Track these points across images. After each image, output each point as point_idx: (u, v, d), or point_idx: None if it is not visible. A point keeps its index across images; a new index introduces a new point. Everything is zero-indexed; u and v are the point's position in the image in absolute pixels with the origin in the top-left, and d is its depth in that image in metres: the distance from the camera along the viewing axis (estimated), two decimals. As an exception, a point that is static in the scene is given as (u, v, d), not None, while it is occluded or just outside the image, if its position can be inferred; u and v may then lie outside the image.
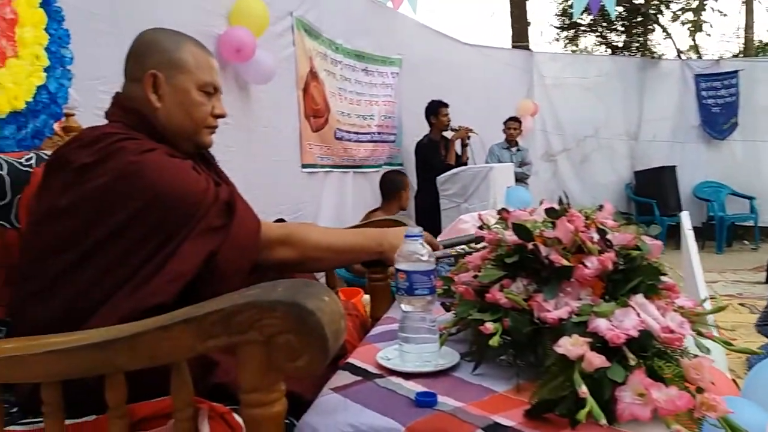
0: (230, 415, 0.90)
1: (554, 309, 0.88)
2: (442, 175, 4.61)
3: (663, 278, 0.96)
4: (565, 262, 0.90)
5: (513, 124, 5.99)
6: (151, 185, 1.07)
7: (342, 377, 0.95)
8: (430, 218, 4.48)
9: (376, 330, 1.19)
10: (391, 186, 4.17)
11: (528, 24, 9.68)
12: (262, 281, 1.20)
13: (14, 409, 1.06)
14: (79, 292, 1.04)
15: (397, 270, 0.96)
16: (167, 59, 1.22)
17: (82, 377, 0.81)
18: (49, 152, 1.39)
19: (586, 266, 0.91)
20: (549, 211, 1.00)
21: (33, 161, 1.31)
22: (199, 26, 2.93)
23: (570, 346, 0.79)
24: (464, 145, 5.17)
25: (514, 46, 8.67)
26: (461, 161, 5.10)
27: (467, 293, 0.99)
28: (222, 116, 1.30)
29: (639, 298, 0.88)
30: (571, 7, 8.94)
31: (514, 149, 5.99)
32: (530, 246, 0.92)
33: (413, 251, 0.96)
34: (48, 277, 1.06)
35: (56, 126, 1.50)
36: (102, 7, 2.46)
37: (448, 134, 5.12)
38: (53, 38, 1.45)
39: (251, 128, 3.48)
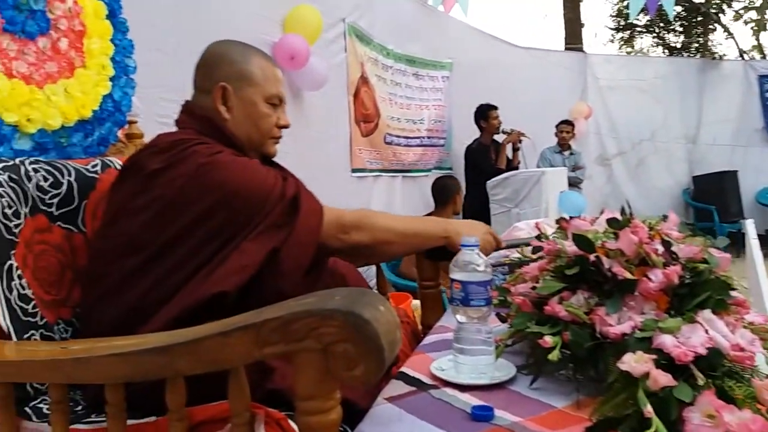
0: (286, 422, 0.91)
1: (617, 323, 0.85)
2: (492, 180, 4.55)
3: (732, 293, 0.92)
4: (628, 275, 0.87)
5: (566, 128, 5.87)
6: (219, 184, 1.11)
7: (396, 387, 0.94)
8: (480, 223, 4.43)
9: (429, 339, 1.18)
10: (444, 191, 4.07)
11: (582, 25, 9.49)
12: (318, 283, 1.23)
13: (78, 407, 1.10)
14: (146, 291, 1.08)
15: (452, 280, 0.95)
16: (236, 72, 1.26)
17: (144, 380, 0.84)
18: (113, 159, 1.44)
19: (650, 279, 0.88)
20: (611, 222, 0.97)
21: (98, 167, 1.36)
22: (255, 34, 2.99)
23: (634, 362, 0.77)
24: (515, 149, 5.08)
25: (567, 48, 8.52)
26: (512, 165, 5.02)
27: (524, 305, 0.97)
28: (286, 127, 1.34)
29: (706, 314, 0.84)
30: (626, 7, 8.70)
31: (566, 153, 5.87)
32: (592, 258, 0.90)
33: (469, 261, 0.95)
34: (116, 278, 1.10)
35: (120, 133, 1.56)
36: (162, 17, 2.54)
37: (500, 138, 5.05)
38: (118, 48, 1.51)
39: (303, 134, 3.52)
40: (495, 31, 6.57)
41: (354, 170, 4.16)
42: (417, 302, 2.98)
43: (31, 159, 1.24)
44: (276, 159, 1.38)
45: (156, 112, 2.24)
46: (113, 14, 1.51)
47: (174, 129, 1.26)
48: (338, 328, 0.73)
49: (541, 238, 1.10)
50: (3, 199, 1.11)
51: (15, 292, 1.08)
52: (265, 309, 0.79)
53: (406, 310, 2.46)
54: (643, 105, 7.41)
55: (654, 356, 0.77)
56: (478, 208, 4.63)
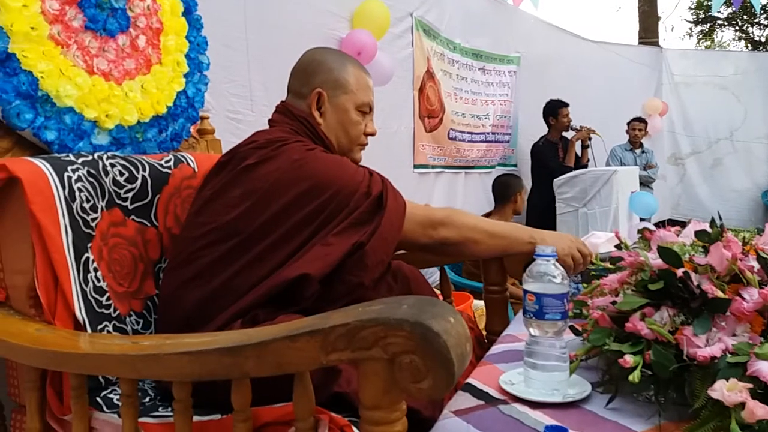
0: (350, 428, 0.89)
1: (705, 345, 0.79)
2: (559, 178, 4.41)
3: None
4: (720, 294, 0.81)
5: (638, 125, 5.64)
6: (310, 175, 1.15)
7: (463, 399, 0.91)
8: (544, 223, 4.29)
9: (497, 349, 1.14)
10: (504, 189, 3.89)
11: (658, 18, 9.08)
12: (381, 284, 1.21)
13: (146, 399, 1.12)
14: (232, 276, 1.12)
15: (526, 291, 0.91)
16: (332, 79, 1.31)
17: (210, 379, 0.84)
18: (185, 154, 1.47)
19: (743, 299, 0.81)
20: (700, 234, 0.90)
21: (171, 163, 1.39)
22: (323, 29, 3.00)
23: (727, 391, 0.71)
24: (585, 147, 4.91)
25: (641, 42, 8.18)
26: (581, 163, 4.85)
27: (603, 320, 0.92)
28: (373, 134, 1.37)
29: (809, 340, 0.77)
30: (707, -1, 8.26)
31: (638, 151, 5.64)
32: (680, 273, 0.83)
33: (544, 272, 0.90)
34: (203, 263, 1.14)
35: (192, 129, 1.58)
36: (234, 13, 2.58)
37: (569, 134, 4.89)
38: (192, 45, 1.53)
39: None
40: (565, 24, 6.35)
41: (416, 166, 4.12)
42: (477, 302, 2.93)
43: (109, 154, 1.27)
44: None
45: (226, 108, 2.27)
46: (188, 11, 1.54)
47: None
48: (405, 338, 0.71)
49: (620, 248, 1.04)
50: (82, 194, 1.15)
51: (90, 284, 1.11)
52: (333, 313, 0.78)
53: (468, 313, 2.42)
54: (721, 102, 7.06)
55: (749, 385, 0.71)
56: (543, 208, 4.51)
